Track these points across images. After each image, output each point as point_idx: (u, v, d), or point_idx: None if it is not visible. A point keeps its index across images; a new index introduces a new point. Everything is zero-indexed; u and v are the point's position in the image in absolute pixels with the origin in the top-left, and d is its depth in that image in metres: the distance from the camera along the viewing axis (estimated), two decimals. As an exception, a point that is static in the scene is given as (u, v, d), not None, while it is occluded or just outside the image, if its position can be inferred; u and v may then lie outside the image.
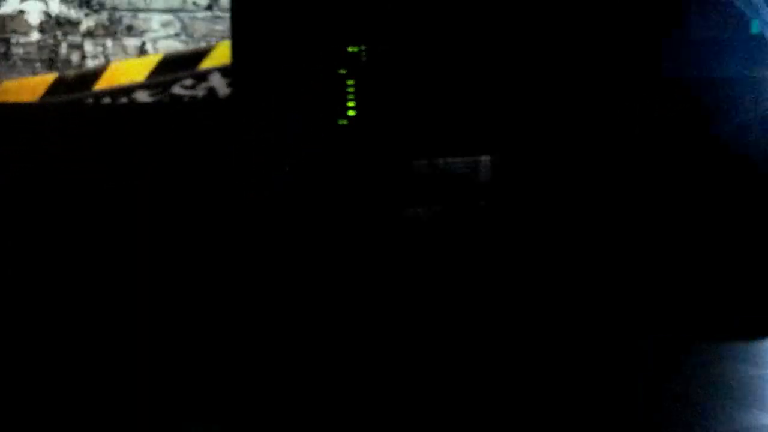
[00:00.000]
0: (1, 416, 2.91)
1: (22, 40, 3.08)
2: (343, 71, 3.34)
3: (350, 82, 3.35)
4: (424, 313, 3.42)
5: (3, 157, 3.15)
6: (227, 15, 3.23)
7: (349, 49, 3.34)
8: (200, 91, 3.25)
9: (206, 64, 3.25)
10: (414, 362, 3.24)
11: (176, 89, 3.23)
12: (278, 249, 3.37)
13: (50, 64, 3.12)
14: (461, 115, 3.49)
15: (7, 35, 3.06)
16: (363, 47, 3.36)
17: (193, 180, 3.29)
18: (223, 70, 3.26)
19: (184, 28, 3.21)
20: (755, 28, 3.58)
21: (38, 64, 3.11)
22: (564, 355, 3.28)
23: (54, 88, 3.14)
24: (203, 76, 3.25)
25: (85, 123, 3.20)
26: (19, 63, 3.09)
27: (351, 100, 3.36)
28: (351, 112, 3.36)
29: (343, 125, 3.36)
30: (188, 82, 3.24)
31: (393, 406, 3.05)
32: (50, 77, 3.13)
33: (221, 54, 3.25)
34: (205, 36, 3.23)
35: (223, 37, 3.24)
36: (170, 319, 3.37)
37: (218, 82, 3.26)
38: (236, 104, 3.27)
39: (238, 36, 3.25)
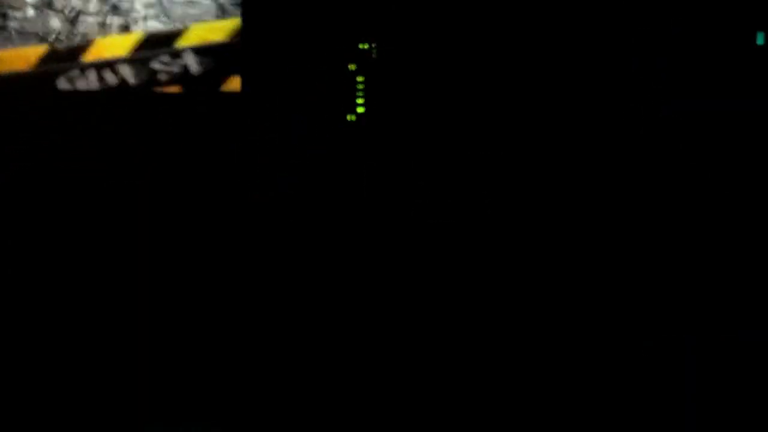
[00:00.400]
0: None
1: (18, 14, 3.52)
2: (353, 67, 3.48)
3: (360, 78, 3.49)
4: (427, 317, 3.47)
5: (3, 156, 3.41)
6: (202, 0, 3.63)
7: (360, 46, 3.48)
8: (175, 68, 3.65)
9: (181, 43, 3.65)
10: (415, 364, 3.36)
11: (155, 65, 3.64)
12: (283, 251, 3.45)
13: (43, 37, 3.55)
14: (474, 115, 3.54)
15: (3, 10, 3.50)
16: (374, 44, 3.46)
17: (196, 180, 3.48)
18: (196, 50, 3.66)
19: (163, 10, 3.61)
20: (761, 40, 3.46)
21: (32, 37, 3.54)
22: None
23: (46, 59, 3.57)
24: (179, 54, 3.65)
25: (85, 120, 3.48)
26: (15, 35, 3.53)
27: (360, 96, 3.49)
28: (360, 109, 3.49)
29: (351, 122, 3.47)
30: (165, 58, 3.64)
31: (395, 407, 3.24)
32: (42, 49, 3.57)
33: (195, 35, 3.65)
34: (181, 18, 3.63)
35: (197, 20, 3.64)
36: (172, 320, 3.47)
37: (191, 60, 3.66)
38: (241, 104, 3.50)
39: (249, 32, 3.53)
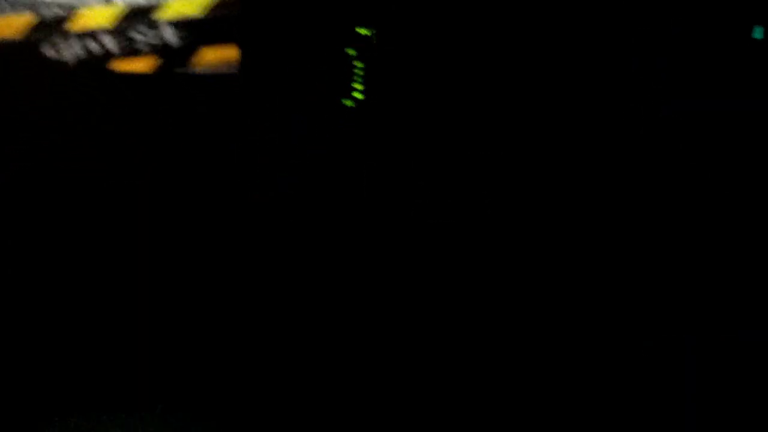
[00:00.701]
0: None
1: (9, -15, 3.81)
2: (352, 52, 3.47)
3: (359, 64, 3.48)
4: (427, 316, 3.41)
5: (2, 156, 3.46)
6: (179, -23, 3.94)
7: (360, 31, 3.48)
8: (153, 39, 3.94)
9: (160, 16, 3.95)
10: (414, 362, 3.33)
11: (134, 35, 3.93)
12: (283, 252, 3.45)
13: (31, 7, 3.83)
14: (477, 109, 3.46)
15: (-4, -20, 3.79)
16: (374, 30, 3.45)
17: (196, 180, 3.52)
18: (173, 23, 3.96)
19: (143, -15, 3.92)
20: (758, 33, 3.39)
21: (21, 7, 3.82)
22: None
23: (33, 28, 3.85)
24: (157, 26, 3.95)
25: (85, 122, 3.63)
26: (6, 5, 3.81)
27: (358, 82, 3.47)
28: (358, 95, 3.48)
29: (349, 109, 3.44)
30: (144, 30, 3.93)
31: (393, 405, 3.20)
32: (30, 18, 3.85)
33: (172, 9, 3.95)
34: (160, -7, 3.93)
35: (175, -5, 3.95)
36: (172, 321, 3.46)
37: (169, 33, 3.96)
38: (241, 103, 3.56)
39: (247, 15, 3.62)
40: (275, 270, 3.44)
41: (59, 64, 3.84)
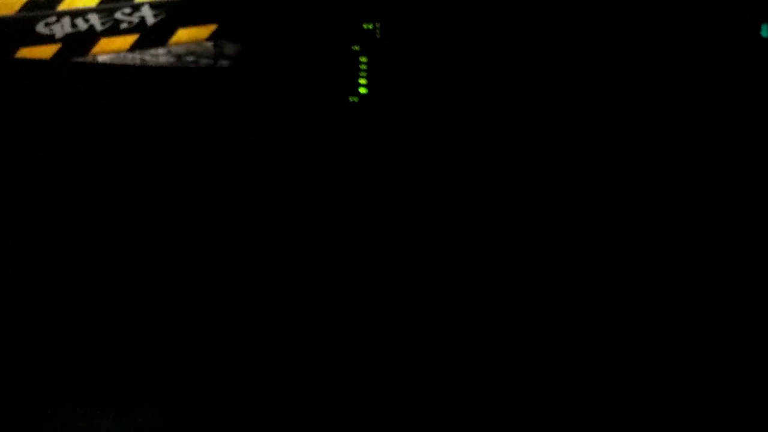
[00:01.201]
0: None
1: (6, -33, 4.14)
2: (356, 48, 3.48)
3: (363, 59, 3.49)
4: (429, 318, 3.36)
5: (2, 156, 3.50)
6: (159, -37, 4.34)
7: (364, 26, 3.48)
8: (134, 19, 4.36)
9: (140, -3, 4.37)
10: (415, 363, 3.31)
11: (117, 15, 4.33)
12: (283, 251, 3.44)
13: (25, -13, 4.18)
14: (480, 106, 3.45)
15: (-5, -37, 4.11)
16: (378, 24, 3.44)
17: (196, 180, 3.52)
18: (151, 4, 4.37)
19: (125, -31, 4.31)
20: (765, 32, 3.37)
21: (16, -13, 4.16)
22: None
23: (26, 6, 4.20)
24: (138, 7, 4.36)
25: (84, 121, 3.74)
26: (2, -15, 4.14)
27: (363, 77, 3.48)
28: (363, 90, 3.48)
29: (350, 108, 3.45)
30: (127, 10, 4.34)
31: (391, 406, 3.17)
32: (24, -3, 4.21)
33: (152, -9, 4.37)
34: (141, -23, 4.33)
35: (154, -21, 4.35)
36: (172, 318, 3.43)
37: (147, 13, 4.38)
38: (241, 103, 3.58)
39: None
40: (275, 269, 3.46)
41: (51, 39, 4.21)
